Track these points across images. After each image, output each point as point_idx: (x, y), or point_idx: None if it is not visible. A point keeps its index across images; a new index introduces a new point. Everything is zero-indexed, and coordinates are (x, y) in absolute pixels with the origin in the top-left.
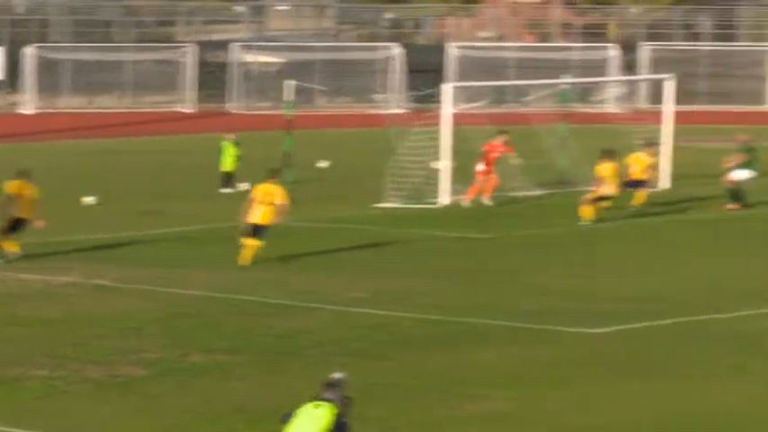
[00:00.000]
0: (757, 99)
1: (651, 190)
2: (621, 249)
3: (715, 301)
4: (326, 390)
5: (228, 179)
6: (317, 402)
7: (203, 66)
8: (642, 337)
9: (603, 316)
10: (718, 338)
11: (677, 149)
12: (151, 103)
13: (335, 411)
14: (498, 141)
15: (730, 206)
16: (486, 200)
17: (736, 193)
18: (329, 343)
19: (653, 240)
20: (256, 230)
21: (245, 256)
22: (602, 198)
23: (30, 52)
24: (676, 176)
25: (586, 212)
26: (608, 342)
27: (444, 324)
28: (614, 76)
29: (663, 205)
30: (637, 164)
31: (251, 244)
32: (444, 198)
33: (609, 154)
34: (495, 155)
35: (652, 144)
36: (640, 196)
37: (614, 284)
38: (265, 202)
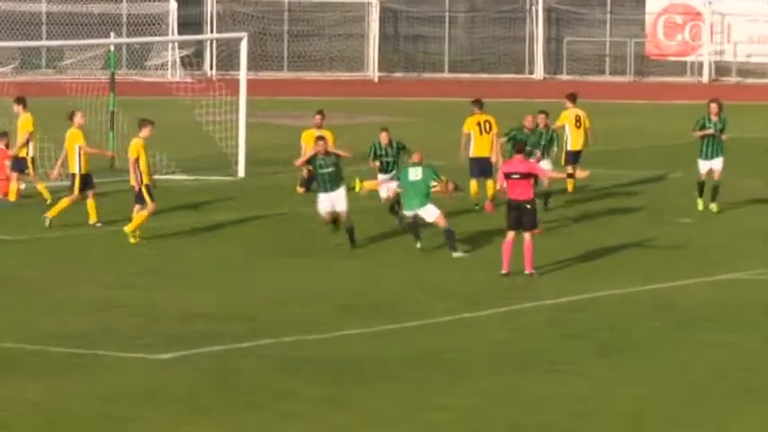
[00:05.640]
0: (357, 65)
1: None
2: (185, 255)
3: (307, 319)
4: None
5: None
6: None
7: None
8: (216, 364)
9: (169, 337)
10: (311, 365)
11: (250, 127)
12: None
13: None
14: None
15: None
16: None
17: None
18: None
19: (226, 243)
20: None
21: None
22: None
23: None
24: (252, 162)
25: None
26: (175, 371)
27: None
28: (174, 34)
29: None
30: None
31: None
32: None
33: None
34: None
35: None
36: None
37: (180, 298)
38: None
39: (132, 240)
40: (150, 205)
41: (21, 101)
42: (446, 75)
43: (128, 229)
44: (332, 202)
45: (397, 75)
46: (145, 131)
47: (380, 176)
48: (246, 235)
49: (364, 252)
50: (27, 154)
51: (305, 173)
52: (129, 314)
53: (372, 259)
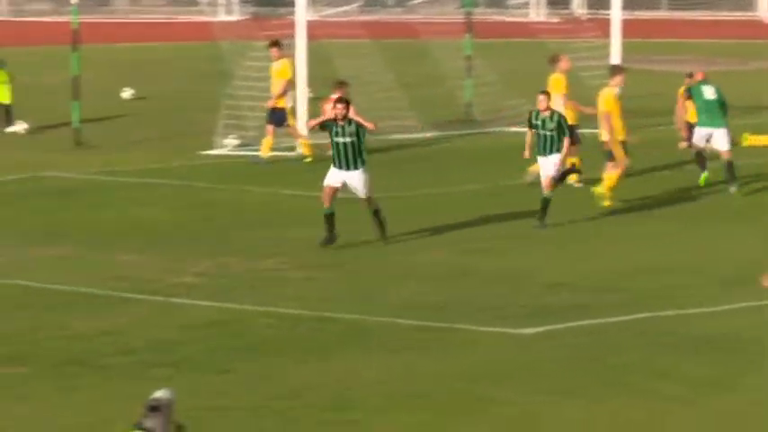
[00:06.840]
0: (746, 3)
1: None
2: (559, 219)
3: (685, 291)
4: (147, 415)
5: (8, 115)
6: None
7: None
8: (587, 340)
9: (534, 310)
10: (694, 342)
11: (628, 74)
12: None
13: None
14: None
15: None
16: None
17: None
18: (147, 349)
19: (592, 205)
20: None
21: None
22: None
23: None
24: (627, 114)
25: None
26: (541, 347)
27: (309, 321)
28: None
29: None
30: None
31: None
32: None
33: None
34: None
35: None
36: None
37: (548, 266)
38: None
39: (606, 203)
40: (622, 162)
41: (276, 44)
42: None
43: (601, 189)
44: (345, 180)
45: None
46: (617, 79)
47: (539, 160)
48: (621, 196)
49: (750, 217)
50: (286, 104)
51: (680, 124)
52: (487, 283)
53: (761, 225)
